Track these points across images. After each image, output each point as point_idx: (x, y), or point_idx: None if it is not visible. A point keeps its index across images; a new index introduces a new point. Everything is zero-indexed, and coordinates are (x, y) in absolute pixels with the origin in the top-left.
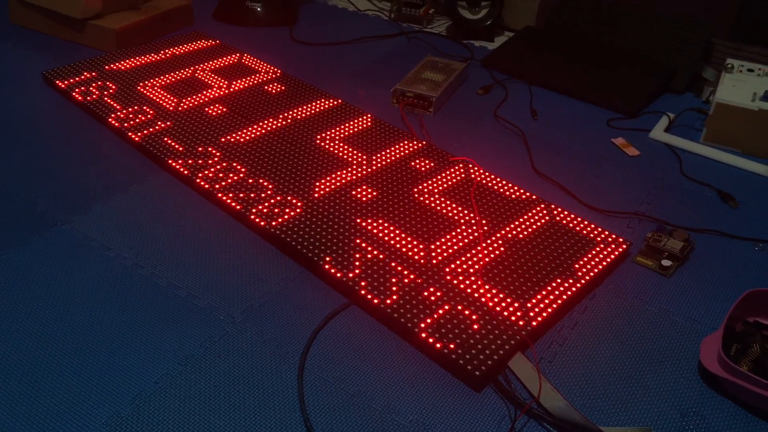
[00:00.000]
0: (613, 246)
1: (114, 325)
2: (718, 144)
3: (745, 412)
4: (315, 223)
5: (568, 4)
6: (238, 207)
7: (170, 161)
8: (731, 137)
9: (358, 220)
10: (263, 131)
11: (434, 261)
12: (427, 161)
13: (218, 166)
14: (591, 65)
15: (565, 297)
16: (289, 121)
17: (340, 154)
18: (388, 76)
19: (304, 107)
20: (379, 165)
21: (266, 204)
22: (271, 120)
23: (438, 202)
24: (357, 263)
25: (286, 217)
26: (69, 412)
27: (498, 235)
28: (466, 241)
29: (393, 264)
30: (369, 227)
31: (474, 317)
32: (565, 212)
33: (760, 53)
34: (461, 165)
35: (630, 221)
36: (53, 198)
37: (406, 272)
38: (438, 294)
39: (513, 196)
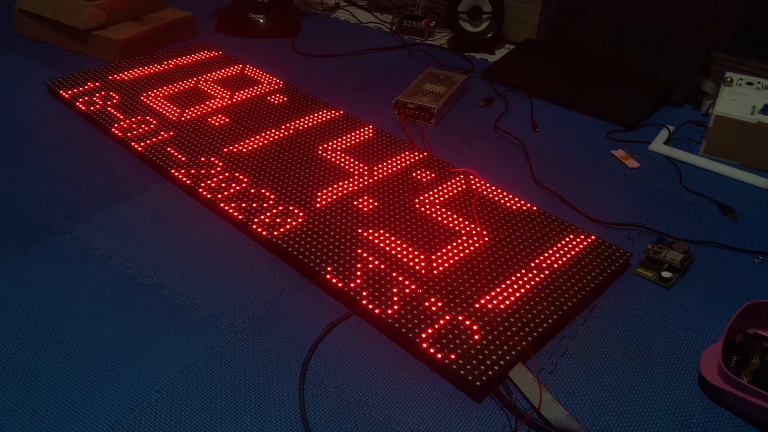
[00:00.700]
0: (613, 257)
1: (116, 334)
2: (717, 156)
3: (745, 424)
4: (317, 233)
5: (568, 18)
6: (240, 217)
7: (173, 171)
8: (730, 150)
9: (360, 230)
10: (265, 142)
11: (435, 271)
12: (428, 172)
13: (221, 176)
14: (590, 78)
15: (565, 308)
16: (291, 131)
17: (342, 164)
18: (389, 88)
19: (306, 118)
20: (380, 176)
21: (268, 214)
22: (273, 130)
23: (439, 212)
24: (358, 273)
25: (287, 226)
26: (71, 420)
27: (499, 246)
28: (467, 251)
29: (394, 274)
30: (370, 237)
31: (475, 327)
32: (565, 223)
33: (758, 67)
34: (462, 176)
35: (630, 233)
36: (56, 207)
37: (407, 282)
38: (439, 304)
39: (514, 207)
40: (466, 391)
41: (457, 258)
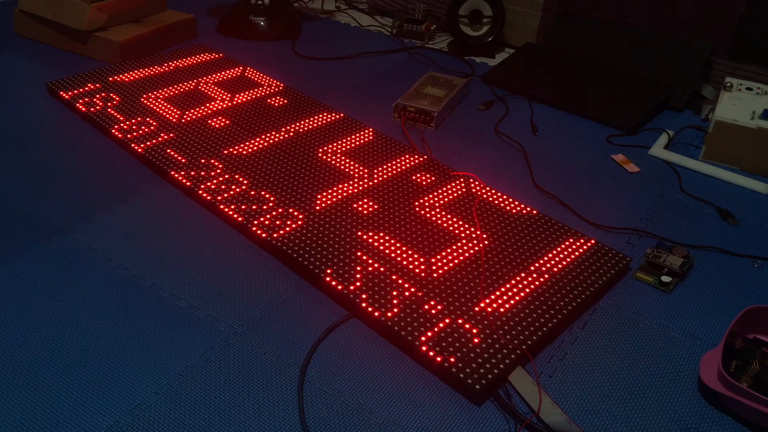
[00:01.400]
0: (613, 261)
1: (115, 335)
2: (717, 161)
3: (745, 429)
4: (316, 236)
5: (568, 22)
6: (239, 219)
7: (173, 173)
8: (730, 155)
9: (359, 233)
10: (266, 144)
11: (435, 274)
12: (428, 175)
13: (220, 178)
14: (590, 82)
15: (565, 312)
16: (291, 134)
17: (342, 167)
18: (389, 91)
19: (306, 121)
20: (380, 178)
21: (268, 216)
22: (273, 133)
23: (439, 215)
24: (358, 276)
25: (287, 229)
26: (69, 421)
27: (498, 249)
28: (466, 255)
29: (394, 277)
30: (370, 240)
31: (474, 331)
32: (565, 227)
33: (758, 72)
34: (462, 179)
35: (630, 237)
36: (56, 208)
37: (406, 285)
38: (439, 307)
39: (514, 211)
40: (466, 394)
41: (456, 261)
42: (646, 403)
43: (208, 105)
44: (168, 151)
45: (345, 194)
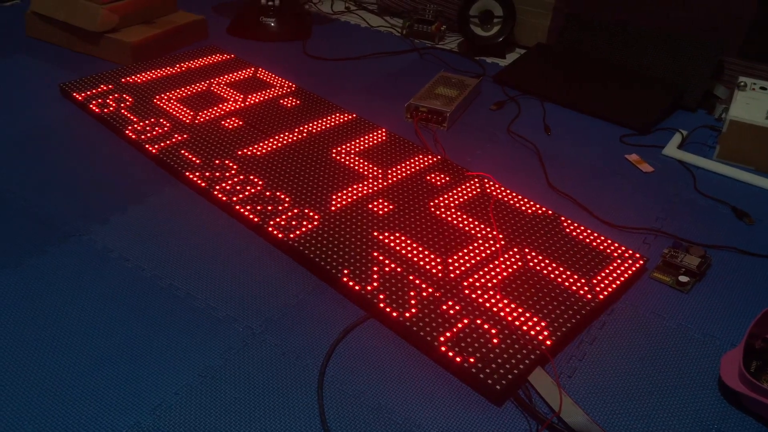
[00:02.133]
0: (630, 262)
1: (133, 336)
2: (731, 161)
3: (767, 430)
4: (332, 236)
5: (579, 22)
6: (255, 219)
7: (187, 173)
8: (745, 154)
9: (375, 233)
10: (279, 145)
11: (452, 275)
12: (442, 175)
13: (235, 179)
14: (602, 82)
15: (583, 312)
16: (304, 134)
17: (356, 167)
18: (401, 91)
19: (319, 121)
20: (394, 179)
21: (284, 216)
22: (286, 133)
23: (454, 216)
24: (375, 276)
25: (303, 229)
26: (90, 422)
27: (515, 249)
28: (483, 255)
29: (411, 277)
30: (386, 240)
31: (493, 331)
32: (581, 227)
33: None
34: (477, 180)
35: (645, 237)
36: (71, 209)
37: (424, 285)
38: (457, 308)
39: (529, 211)
40: (486, 395)
41: (473, 261)
42: (667, 403)
43: (220, 106)
44: (182, 151)
45: (360, 194)
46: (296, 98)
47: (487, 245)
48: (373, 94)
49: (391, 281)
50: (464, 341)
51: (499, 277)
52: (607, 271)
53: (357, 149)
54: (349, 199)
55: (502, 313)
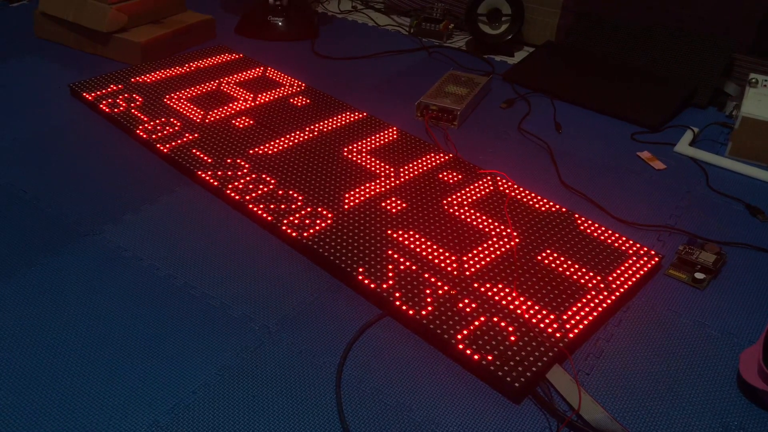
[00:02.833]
0: (645, 259)
1: (150, 335)
2: (743, 158)
3: None
4: (347, 234)
5: (588, 20)
6: (269, 218)
7: (199, 173)
8: (757, 151)
9: (389, 232)
10: (291, 144)
11: (467, 273)
12: (454, 173)
13: (248, 178)
14: (612, 80)
15: (600, 309)
16: (315, 133)
17: (368, 166)
18: (410, 90)
19: (330, 120)
20: (407, 177)
21: (297, 215)
22: (297, 132)
23: (468, 213)
24: (390, 274)
25: (317, 228)
26: (108, 421)
27: (531, 247)
28: (498, 252)
29: (426, 275)
30: (400, 238)
31: (510, 329)
32: (596, 225)
33: None
34: (489, 177)
35: (660, 234)
36: (84, 208)
37: (439, 283)
38: (473, 305)
39: (543, 208)
40: (504, 392)
41: (489, 259)
42: (686, 400)
43: (231, 105)
44: (193, 151)
45: (372, 193)
46: (306, 97)
47: (501, 243)
48: (383, 93)
49: (406, 279)
50: (481, 339)
51: (515, 274)
52: (623, 268)
53: (368, 148)
54: (362, 198)
55: (518, 311)
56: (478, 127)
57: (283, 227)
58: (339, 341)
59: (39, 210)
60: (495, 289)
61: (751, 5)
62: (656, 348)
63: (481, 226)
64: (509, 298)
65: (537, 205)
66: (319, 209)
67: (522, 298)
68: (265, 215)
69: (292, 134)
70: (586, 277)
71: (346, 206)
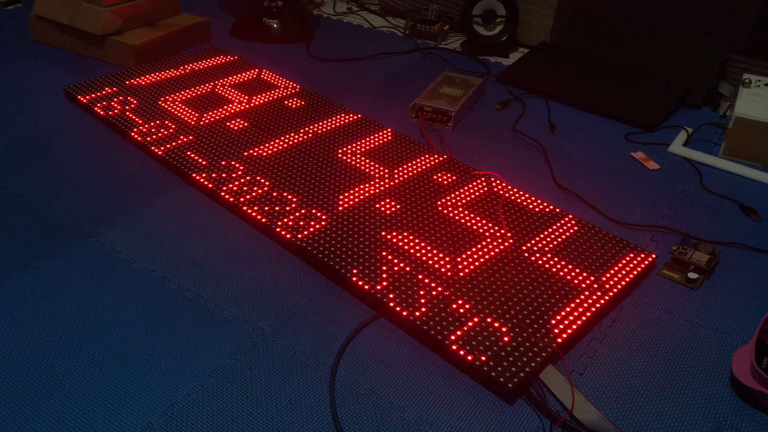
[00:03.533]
0: (639, 259)
1: (144, 338)
2: (737, 158)
3: None
4: (340, 236)
5: (582, 21)
6: (263, 220)
7: (194, 175)
8: (751, 151)
9: (383, 233)
10: (285, 145)
11: (461, 273)
12: (449, 175)
13: (242, 180)
14: (607, 80)
15: (593, 309)
16: (310, 135)
17: (362, 167)
18: (405, 91)
19: (325, 122)
20: (401, 178)
21: (291, 217)
22: (292, 134)
23: (462, 215)
24: (384, 275)
25: (311, 229)
26: (102, 424)
27: (524, 247)
28: (492, 253)
29: (420, 276)
30: (394, 240)
31: (504, 329)
32: (589, 225)
33: None
34: (483, 178)
35: (653, 234)
36: (78, 211)
37: (433, 284)
38: (467, 306)
39: (537, 209)
40: (498, 393)
41: (482, 260)
42: (679, 399)
43: (225, 107)
44: (188, 153)
45: (367, 194)
46: (301, 99)
47: (495, 243)
48: (378, 95)
49: (400, 280)
50: (475, 339)
51: (509, 275)
52: (616, 268)
53: (363, 149)
54: (356, 199)
55: (512, 311)
56: (473, 128)
57: (278, 229)
58: (333, 342)
59: (33, 213)
60: (488, 290)
61: (745, 5)
62: (649, 348)
63: (475, 227)
64: (503, 299)
65: (531, 206)
66: (314, 211)
67: (515, 299)
68: (259, 217)
69: (287, 136)
70: (580, 278)
71: (340, 208)
